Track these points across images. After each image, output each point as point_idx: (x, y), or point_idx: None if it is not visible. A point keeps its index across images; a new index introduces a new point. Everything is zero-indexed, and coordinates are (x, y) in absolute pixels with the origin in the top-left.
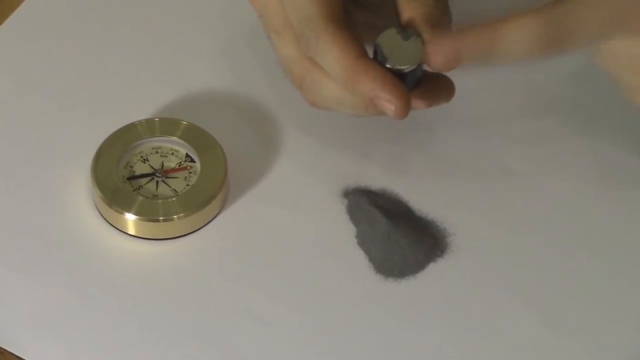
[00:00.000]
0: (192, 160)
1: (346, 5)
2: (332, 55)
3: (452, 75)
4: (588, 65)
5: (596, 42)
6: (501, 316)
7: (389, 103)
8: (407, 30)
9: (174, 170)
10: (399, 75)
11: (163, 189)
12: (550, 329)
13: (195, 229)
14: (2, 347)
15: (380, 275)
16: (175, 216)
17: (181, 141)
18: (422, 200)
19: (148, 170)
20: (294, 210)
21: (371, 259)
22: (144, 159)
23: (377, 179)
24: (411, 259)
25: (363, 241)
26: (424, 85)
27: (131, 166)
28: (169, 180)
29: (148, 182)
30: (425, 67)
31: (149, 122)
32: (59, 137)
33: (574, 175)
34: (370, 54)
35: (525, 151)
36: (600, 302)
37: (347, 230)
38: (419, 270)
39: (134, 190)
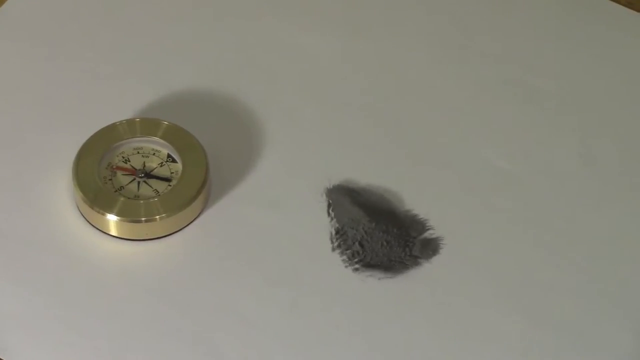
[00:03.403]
0: (174, 161)
1: None
2: None
3: (438, 70)
4: (578, 63)
5: None
6: (488, 316)
7: None
8: None
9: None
10: None
11: (145, 190)
12: (538, 329)
13: (177, 229)
14: None
15: (363, 274)
16: (157, 216)
17: (162, 141)
18: (406, 198)
19: (129, 169)
20: (277, 210)
21: (354, 257)
22: (126, 160)
23: (360, 178)
24: (395, 258)
25: (346, 240)
26: None
27: (112, 167)
28: (150, 181)
29: (130, 182)
30: None
31: (129, 122)
32: (39, 139)
33: (562, 175)
34: None
35: (513, 150)
36: (588, 302)
37: (329, 229)
38: (402, 269)
39: (116, 191)
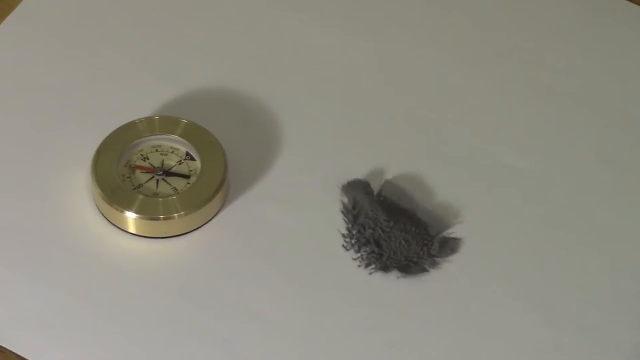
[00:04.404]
0: (192, 159)
1: None
2: None
3: (453, 68)
4: (595, 62)
5: None
6: (504, 314)
7: None
8: None
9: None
10: None
11: (163, 187)
12: (552, 327)
13: (195, 227)
14: (3, 345)
15: (380, 272)
16: (175, 214)
17: (181, 139)
18: (423, 197)
19: (148, 167)
20: (294, 208)
21: (372, 256)
22: (144, 158)
23: (378, 177)
24: (412, 256)
25: (364, 238)
26: None
27: (131, 165)
28: (169, 179)
29: (148, 180)
30: None
31: (148, 120)
32: (58, 137)
33: (580, 173)
34: None
35: (531, 149)
36: (602, 300)
37: (346, 228)
38: (419, 268)
39: (134, 189)
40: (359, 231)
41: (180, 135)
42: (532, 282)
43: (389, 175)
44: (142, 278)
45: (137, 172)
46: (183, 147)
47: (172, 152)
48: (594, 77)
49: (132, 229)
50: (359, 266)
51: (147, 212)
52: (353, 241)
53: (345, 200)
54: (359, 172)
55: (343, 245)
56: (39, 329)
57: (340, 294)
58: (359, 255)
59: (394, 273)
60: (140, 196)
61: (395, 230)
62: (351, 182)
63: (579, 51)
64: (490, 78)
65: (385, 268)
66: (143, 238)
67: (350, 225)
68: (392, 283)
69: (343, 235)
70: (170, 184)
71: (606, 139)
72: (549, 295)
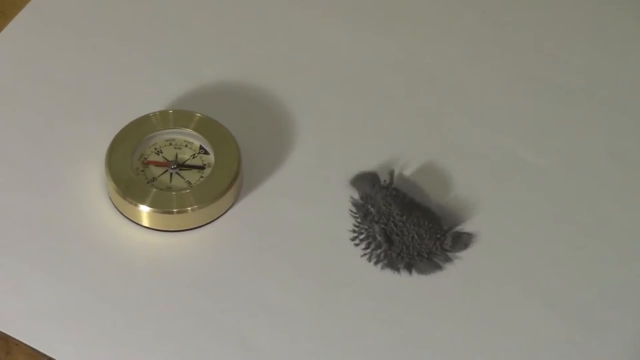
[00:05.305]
0: (206, 152)
1: None
2: None
3: (465, 63)
4: (607, 59)
5: None
6: (516, 308)
7: None
8: None
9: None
10: None
11: (177, 181)
12: (563, 322)
13: (209, 221)
14: (17, 338)
15: (392, 267)
16: (189, 208)
17: (195, 133)
18: (436, 192)
19: (162, 162)
20: (308, 203)
21: (384, 250)
22: (158, 151)
23: (390, 171)
24: (424, 251)
25: (376, 233)
26: None
27: (145, 158)
28: (183, 172)
29: (162, 174)
30: None
31: (162, 114)
32: (72, 130)
33: (590, 169)
34: None
35: (539, 144)
36: (613, 296)
37: (359, 223)
38: (431, 263)
39: (148, 182)
40: (369, 226)
41: (194, 129)
42: (543, 278)
43: (401, 170)
44: (155, 271)
45: (151, 165)
46: (197, 141)
47: (186, 145)
48: (605, 73)
49: (145, 222)
50: (368, 261)
51: (160, 206)
52: (362, 237)
53: (356, 194)
54: (371, 167)
55: (351, 239)
56: (52, 321)
57: (352, 288)
58: (368, 250)
59: (403, 271)
60: (154, 190)
61: (408, 225)
62: (359, 175)
63: (590, 47)
64: (502, 74)
65: (393, 265)
66: (156, 231)
67: (360, 220)
68: (403, 278)
69: (353, 230)
70: (183, 178)
71: (617, 134)
72: (560, 290)
